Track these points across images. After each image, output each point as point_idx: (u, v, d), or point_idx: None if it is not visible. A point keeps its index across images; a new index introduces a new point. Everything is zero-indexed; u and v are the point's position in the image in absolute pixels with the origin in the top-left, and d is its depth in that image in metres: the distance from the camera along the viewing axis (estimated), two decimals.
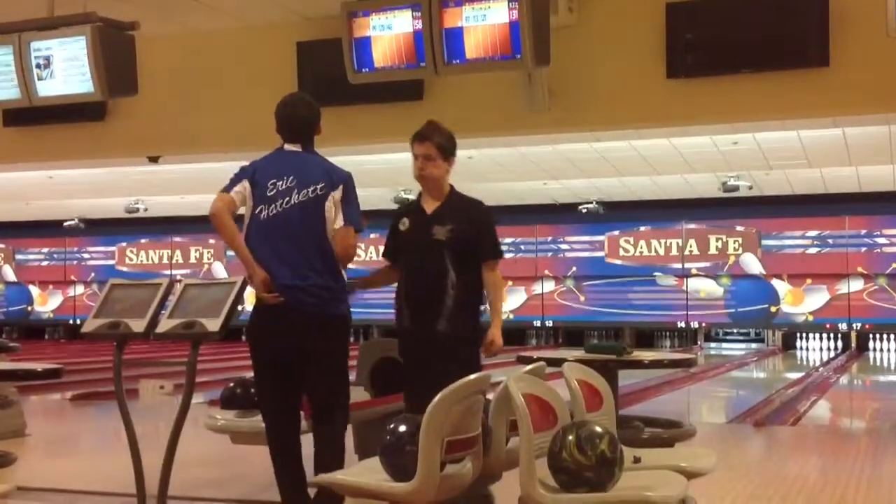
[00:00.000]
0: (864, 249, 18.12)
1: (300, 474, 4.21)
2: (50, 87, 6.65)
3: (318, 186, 4.23)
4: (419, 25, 6.14)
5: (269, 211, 4.20)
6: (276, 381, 4.27)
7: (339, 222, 4.22)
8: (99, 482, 5.44)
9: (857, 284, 18.14)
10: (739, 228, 18.77)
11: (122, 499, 4.76)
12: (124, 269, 22.32)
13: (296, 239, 4.18)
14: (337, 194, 4.25)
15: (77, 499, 5.15)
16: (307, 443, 4.29)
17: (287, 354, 4.20)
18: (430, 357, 4.46)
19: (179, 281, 4.59)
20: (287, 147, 4.39)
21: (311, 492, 4.17)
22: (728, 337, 20.35)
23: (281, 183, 4.22)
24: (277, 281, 4.14)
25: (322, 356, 4.21)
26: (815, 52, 6.46)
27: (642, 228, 19.30)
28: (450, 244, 4.50)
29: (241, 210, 4.30)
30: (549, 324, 19.97)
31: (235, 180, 4.30)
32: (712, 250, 18.94)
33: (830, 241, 18.25)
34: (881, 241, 18.05)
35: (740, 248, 18.78)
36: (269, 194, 4.21)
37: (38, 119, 8.31)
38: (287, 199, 4.20)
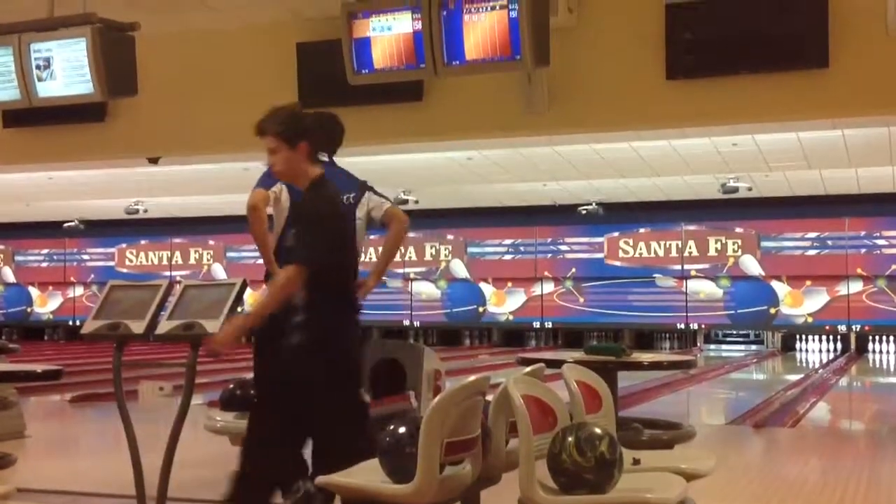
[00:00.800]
0: (863, 251, 18.12)
1: None
2: (50, 88, 6.65)
3: (351, 196, 4.53)
4: (419, 26, 6.14)
5: None
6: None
7: (385, 204, 4.60)
8: (98, 483, 5.44)
9: (856, 286, 18.15)
10: (739, 230, 18.78)
11: (122, 500, 4.76)
12: (124, 270, 22.32)
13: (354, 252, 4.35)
14: (368, 197, 4.60)
15: (77, 500, 5.15)
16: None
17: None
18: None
19: (179, 282, 4.59)
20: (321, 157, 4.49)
21: None
22: (727, 339, 20.36)
23: None
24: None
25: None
26: (814, 53, 6.46)
27: (642, 230, 19.31)
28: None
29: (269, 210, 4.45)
30: (549, 325, 19.98)
31: (270, 181, 4.41)
32: (712, 252, 18.95)
33: (830, 242, 18.25)
34: (881, 242, 18.06)
35: (740, 250, 18.79)
36: None
37: (38, 120, 8.31)
38: None
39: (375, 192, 4.70)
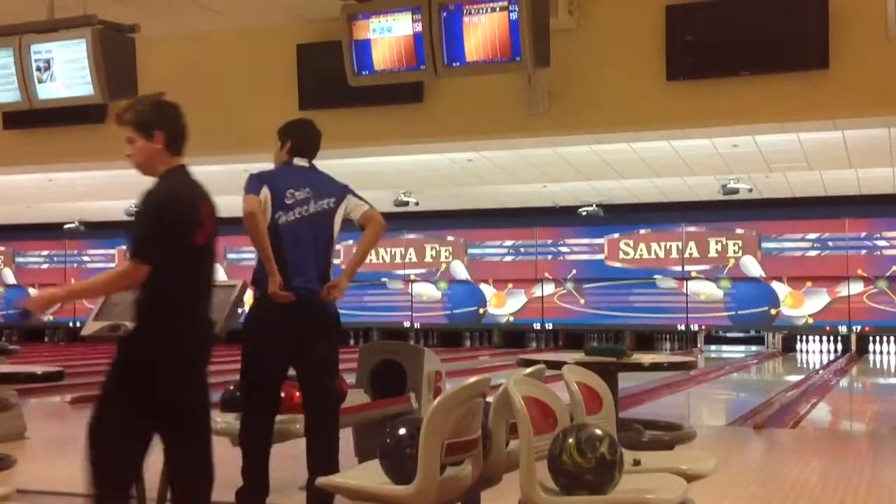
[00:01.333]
0: (864, 252, 18.12)
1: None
2: (50, 90, 6.65)
3: (332, 200, 4.66)
4: (419, 28, 6.15)
5: (288, 217, 4.57)
6: (273, 376, 4.63)
7: (363, 207, 4.71)
8: None
9: (857, 287, 18.15)
10: (739, 231, 18.78)
11: None
12: None
13: (310, 246, 4.57)
14: (346, 201, 4.70)
15: (76, 501, 5.14)
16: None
17: (290, 350, 4.54)
18: None
19: None
20: (298, 161, 4.76)
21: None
22: (727, 334, 20.31)
23: (298, 193, 4.60)
24: (291, 283, 4.47)
25: (324, 351, 4.57)
26: (814, 55, 6.47)
27: (642, 231, 19.31)
28: None
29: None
30: (549, 326, 19.98)
31: (257, 184, 4.61)
32: (712, 253, 18.94)
33: (830, 243, 18.25)
34: (881, 243, 18.05)
35: (740, 251, 18.78)
36: (287, 202, 4.58)
37: (38, 121, 8.31)
38: (305, 207, 4.59)
39: (356, 196, 4.79)
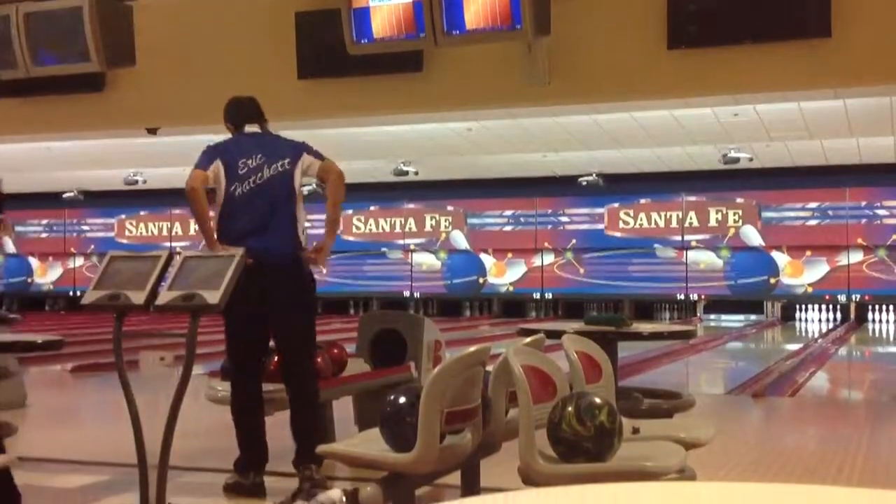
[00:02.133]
0: (864, 221, 18.11)
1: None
2: (48, 58, 6.61)
3: (286, 161, 4.67)
4: None
5: (244, 188, 4.63)
6: (245, 342, 4.71)
7: (317, 163, 4.70)
8: (100, 452, 5.46)
9: (856, 256, 18.15)
10: (739, 200, 18.76)
11: (123, 469, 4.78)
12: (124, 241, 22.33)
13: (269, 210, 4.61)
14: (302, 162, 4.69)
15: (78, 469, 5.17)
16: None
17: (261, 312, 4.61)
18: None
19: (179, 253, 4.58)
20: (247, 129, 4.83)
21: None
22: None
23: (251, 161, 4.65)
24: (252, 245, 4.47)
25: (294, 309, 4.65)
26: (816, 23, 6.41)
27: (642, 201, 19.28)
28: None
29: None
30: (549, 296, 20.00)
31: (209, 158, 4.69)
32: (712, 222, 18.93)
33: (830, 212, 18.24)
34: (881, 212, 18.04)
35: (740, 220, 18.77)
36: (240, 172, 4.64)
37: (36, 90, 8.27)
38: (259, 174, 4.64)
39: (311, 152, 4.77)
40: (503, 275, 20.26)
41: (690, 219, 19.05)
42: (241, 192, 4.63)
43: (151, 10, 7.45)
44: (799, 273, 18.51)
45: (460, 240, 20.39)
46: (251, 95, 5.04)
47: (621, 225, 19.47)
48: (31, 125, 9.10)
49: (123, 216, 22.61)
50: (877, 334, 17.38)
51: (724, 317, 19.83)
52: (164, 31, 8.00)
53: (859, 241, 18.10)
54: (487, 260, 20.28)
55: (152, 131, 9.09)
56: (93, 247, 22.53)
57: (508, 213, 20.12)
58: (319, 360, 5.04)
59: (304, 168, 4.70)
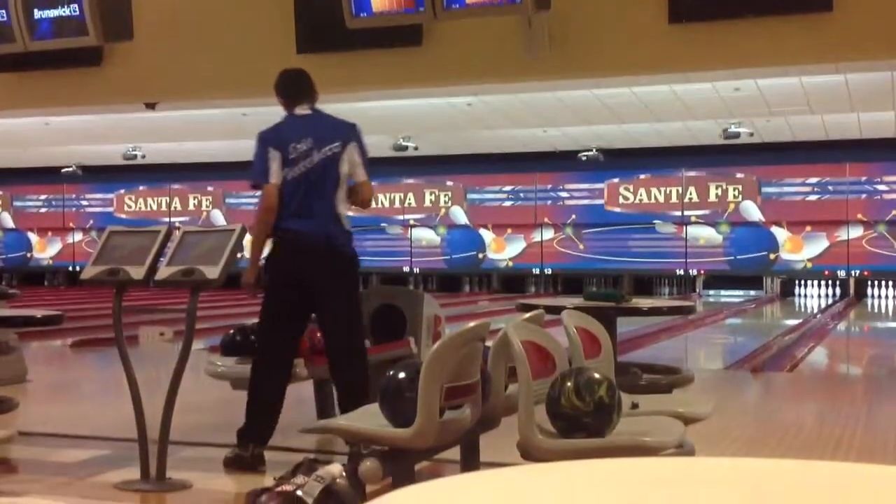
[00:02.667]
0: (864, 196, 18.09)
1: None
2: (46, 33, 6.58)
3: (335, 146, 4.68)
4: None
5: (293, 171, 4.64)
6: (281, 319, 4.68)
7: (362, 176, 4.75)
8: (100, 427, 5.48)
9: (856, 231, 18.14)
10: (739, 175, 18.73)
11: (124, 444, 4.80)
12: (123, 216, 22.30)
13: (316, 194, 4.65)
14: (351, 150, 4.71)
15: (78, 443, 5.19)
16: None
17: (301, 294, 4.63)
18: None
19: (178, 228, 4.58)
20: (299, 111, 4.81)
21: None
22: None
23: (301, 145, 4.67)
24: (286, 225, 4.59)
25: (338, 291, 4.68)
26: None
27: (642, 176, 19.25)
28: None
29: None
30: (548, 271, 20.01)
31: (265, 157, 4.68)
32: (712, 198, 18.91)
33: (830, 188, 18.21)
34: (881, 188, 18.02)
35: (740, 196, 18.75)
36: (291, 157, 4.65)
37: (34, 65, 8.23)
38: (309, 158, 4.66)
39: (359, 151, 4.76)
40: (503, 250, 20.25)
41: (690, 194, 19.03)
42: (292, 177, 4.66)
43: None
44: (798, 248, 18.51)
45: (460, 215, 20.37)
46: (300, 69, 5.04)
47: (621, 200, 19.45)
48: (30, 100, 9.06)
49: (122, 191, 22.58)
50: (876, 310, 17.40)
51: (723, 292, 19.85)
52: (162, 5, 7.95)
53: (859, 216, 18.08)
54: (487, 235, 20.27)
55: (151, 106, 9.05)
56: (92, 222, 22.51)
57: (508, 188, 20.10)
58: (319, 335, 5.04)
59: (350, 161, 4.72)
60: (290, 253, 4.65)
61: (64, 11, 6.49)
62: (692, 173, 18.99)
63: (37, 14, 6.59)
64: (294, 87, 4.88)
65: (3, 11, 6.66)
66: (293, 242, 4.62)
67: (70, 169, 20.91)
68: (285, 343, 4.70)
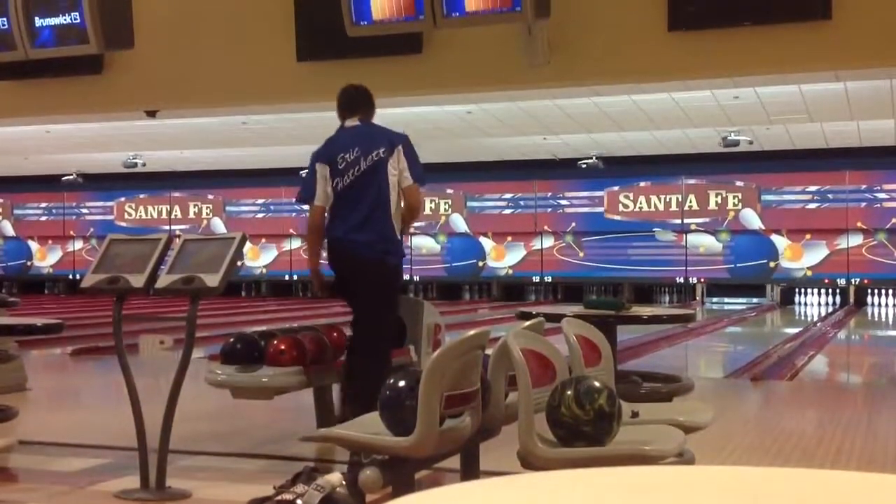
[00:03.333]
0: (863, 204, 18.10)
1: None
2: (46, 41, 6.59)
3: (380, 151, 4.85)
4: None
5: (343, 181, 4.83)
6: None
7: (408, 181, 4.83)
8: (100, 436, 5.47)
9: (856, 239, 18.15)
10: (739, 184, 18.74)
11: (124, 452, 4.79)
12: (123, 224, 22.31)
13: (367, 202, 4.84)
14: (398, 153, 4.87)
15: (78, 452, 5.18)
16: None
17: (350, 296, 4.99)
18: None
19: (178, 236, 4.58)
20: (348, 123, 5.02)
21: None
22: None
23: (348, 155, 4.85)
24: (334, 234, 4.87)
25: (372, 299, 4.91)
26: (817, 5, 6.39)
27: (642, 184, 19.27)
28: None
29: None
30: (549, 279, 20.01)
31: (312, 175, 4.92)
32: (712, 206, 18.92)
33: (830, 196, 18.22)
34: (881, 196, 18.03)
35: (740, 204, 18.76)
36: (340, 167, 4.84)
37: (34, 73, 8.24)
38: (357, 167, 4.83)
39: (408, 155, 4.93)
40: (503, 258, 20.26)
41: (690, 202, 19.04)
42: (342, 187, 4.84)
43: None
44: (798, 256, 18.51)
45: (460, 223, 20.37)
46: (358, 86, 5.23)
47: (621, 208, 19.45)
48: (30, 108, 9.07)
49: (123, 199, 22.59)
50: (876, 318, 17.40)
51: (725, 300, 19.85)
52: (163, 13, 7.96)
53: (859, 224, 18.09)
54: (487, 243, 20.27)
55: (151, 114, 9.06)
56: (92, 230, 22.51)
57: (508, 196, 20.11)
58: (319, 343, 5.04)
59: (398, 166, 4.87)
60: (336, 261, 4.91)
61: (65, 19, 6.49)
62: (692, 181, 19.00)
63: (38, 22, 6.59)
64: (346, 102, 5.11)
65: (4, 19, 6.66)
66: (339, 251, 4.87)
67: (70, 177, 20.92)
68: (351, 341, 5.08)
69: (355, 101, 5.12)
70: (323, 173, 4.89)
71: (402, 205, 4.98)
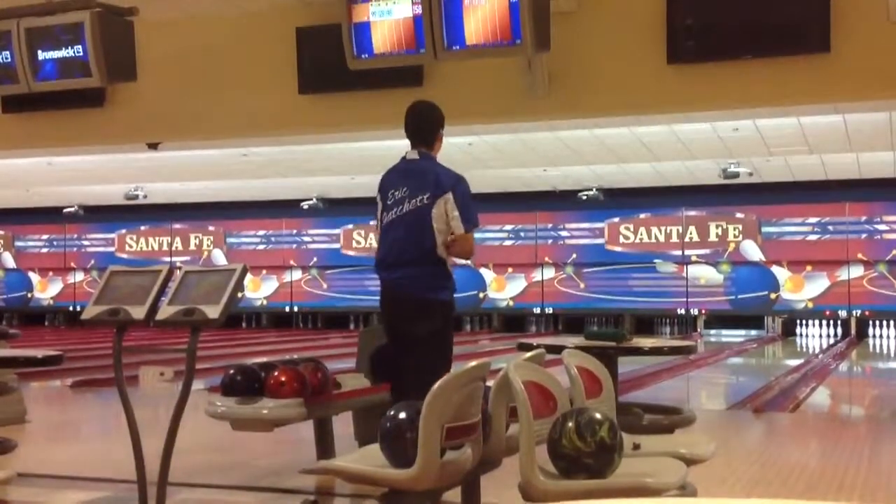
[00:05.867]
0: (864, 236, 18.11)
1: None
2: (49, 73, 6.63)
3: (425, 196, 4.74)
4: (419, 10, 6.12)
5: (388, 217, 4.82)
6: (390, 354, 4.95)
7: (458, 229, 4.75)
8: (99, 468, 5.45)
9: (857, 271, 18.15)
10: (739, 215, 18.76)
11: (123, 485, 4.77)
12: (124, 255, 22.33)
13: (404, 243, 4.77)
14: (444, 202, 4.72)
15: (77, 485, 5.16)
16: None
17: (394, 335, 4.90)
18: None
19: (179, 268, 4.59)
20: (409, 155, 4.93)
21: None
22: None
23: (397, 192, 4.82)
24: (384, 276, 4.82)
25: (415, 339, 4.76)
26: (815, 38, 6.44)
27: (642, 215, 19.29)
28: None
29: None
30: (549, 311, 19.98)
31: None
32: (712, 237, 18.94)
33: (830, 227, 18.24)
34: (881, 227, 18.04)
35: (740, 235, 18.78)
36: (388, 203, 4.82)
37: (37, 105, 8.29)
38: (401, 207, 4.79)
39: (457, 202, 4.74)
40: (503, 289, 20.25)
41: (690, 233, 19.06)
42: (386, 221, 4.82)
43: (152, 25, 7.47)
44: (799, 288, 18.50)
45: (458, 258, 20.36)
46: (425, 103, 5.11)
47: (621, 239, 19.47)
48: (33, 140, 9.12)
49: (124, 231, 22.61)
50: (877, 350, 17.35)
51: (724, 332, 19.82)
52: (165, 46, 8.02)
53: (859, 256, 18.10)
54: (488, 274, 20.27)
55: (153, 146, 9.11)
56: (93, 261, 22.52)
57: (509, 227, 20.13)
58: (319, 375, 5.02)
59: (442, 213, 4.73)
60: (382, 300, 4.88)
61: (68, 53, 6.54)
62: (692, 213, 19.03)
63: (41, 55, 6.63)
64: (410, 127, 4.98)
65: (7, 52, 6.71)
66: (383, 290, 4.84)
67: (72, 209, 20.97)
68: (395, 381, 4.91)
69: (420, 131, 4.97)
70: (379, 204, 4.90)
71: (449, 251, 4.88)
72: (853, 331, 18.53)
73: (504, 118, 7.93)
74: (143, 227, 22.44)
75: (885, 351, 17.25)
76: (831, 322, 18.88)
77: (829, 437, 7.38)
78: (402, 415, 3.31)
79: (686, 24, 6.74)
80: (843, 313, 18.40)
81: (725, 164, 14.95)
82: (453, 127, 9.40)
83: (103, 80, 6.55)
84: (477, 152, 13.48)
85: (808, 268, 18.39)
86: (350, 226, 20.10)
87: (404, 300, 4.77)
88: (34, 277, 23.34)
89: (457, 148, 13.28)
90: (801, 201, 18.07)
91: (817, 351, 16.33)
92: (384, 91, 7.34)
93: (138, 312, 4.28)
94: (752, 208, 18.50)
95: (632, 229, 19.41)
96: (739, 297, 18.81)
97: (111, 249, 22.62)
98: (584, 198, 18.26)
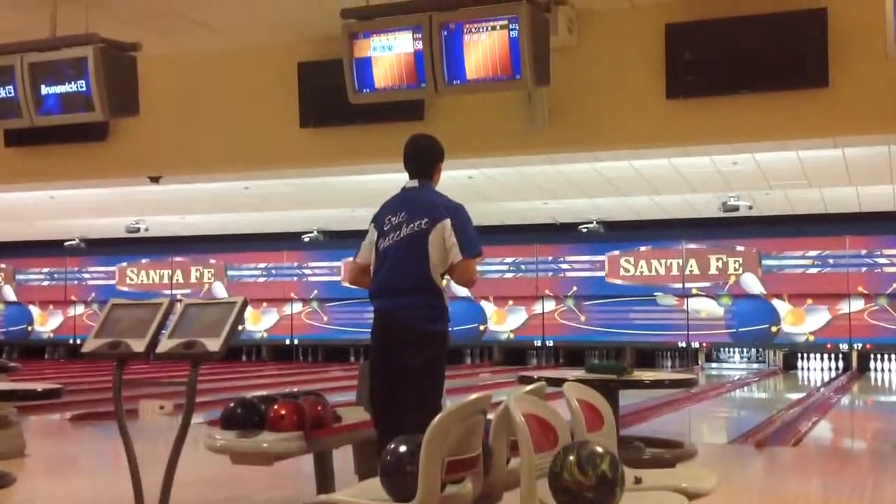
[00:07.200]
0: (864, 269, 18.12)
1: None
2: (52, 107, 6.68)
3: (423, 221, 4.66)
4: (419, 46, 6.17)
5: (385, 243, 4.71)
6: (377, 389, 4.72)
7: (457, 256, 4.67)
8: (99, 502, 5.42)
9: (857, 304, 18.13)
10: (740, 248, 18.78)
11: None
12: (125, 288, 22.33)
13: (397, 268, 4.66)
14: (442, 228, 4.63)
15: None
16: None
17: (382, 366, 4.69)
18: None
19: (180, 301, 4.59)
20: (408, 184, 4.87)
21: None
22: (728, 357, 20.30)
23: (394, 218, 4.72)
24: (378, 305, 4.70)
25: (410, 372, 4.63)
26: (814, 73, 6.48)
27: (643, 248, 19.31)
28: None
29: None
30: (550, 343, 19.95)
31: (365, 241, 4.84)
32: (713, 270, 18.94)
33: (831, 260, 18.25)
34: (881, 261, 18.05)
35: (741, 268, 18.78)
36: (384, 228, 4.72)
37: (39, 139, 8.33)
38: (398, 232, 4.69)
39: (456, 229, 4.67)
40: (504, 322, 20.23)
41: (691, 266, 19.07)
42: (382, 248, 4.71)
43: (155, 60, 7.53)
44: (800, 321, 18.48)
45: (461, 287, 20.35)
46: (424, 138, 5.04)
47: (622, 272, 19.47)
48: (35, 174, 9.16)
49: (125, 264, 22.62)
50: (879, 383, 17.30)
51: (725, 365, 19.77)
52: (168, 80, 8.08)
53: (860, 289, 18.09)
54: (488, 307, 20.26)
55: (155, 180, 9.15)
56: (94, 294, 22.52)
57: (509, 259, 20.14)
58: (320, 408, 5.02)
59: (439, 240, 4.65)
60: (375, 329, 4.72)
61: (71, 87, 6.58)
62: (692, 245, 19.05)
63: (44, 90, 6.67)
64: (410, 160, 4.92)
65: (11, 87, 6.75)
66: (376, 318, 4.71)
67: (73, 242, 20.99)
68: (386, 419, 4.60)
69: (420, 165, 4.91)
70: (371, 237, 4.79)
71: (451, 278, 4.82)
72: (854, 364, 18.48)
73: (504, 151, 7.97)
74: (144, 260, 22.45)
75: (886, 384, 17.19)
76: (832, 355, 18.84)
77: (832, 472, 7.35)
78: (403, 448, 3.30)
79: (685, 59, 6.78)
80: (844, 346, 18.37)
81: (725, 197, 14.98)
82: (454, 160, 9.47)
83: (106, 115, 6.58)
84: (477, 185, 13.52)
85: (809, 301, 18.38)
86: (351, 258, 20.10)
87: (399, 330, 4.65)
88: (34, 310, 23.32)
89: (457, 181, 13.32)
90: (802, 234, 18.09)
91: (819, 384, 16.28)
92: (385, 125, 7.39)
93: (139, 345, 4.28)
94: (753, 241, 18.52)
95: (632, 262, 19.42)
96: (740, 330, 18.79)
97: (112, 282, 22.63)
98: (585, 230, 18.29)
